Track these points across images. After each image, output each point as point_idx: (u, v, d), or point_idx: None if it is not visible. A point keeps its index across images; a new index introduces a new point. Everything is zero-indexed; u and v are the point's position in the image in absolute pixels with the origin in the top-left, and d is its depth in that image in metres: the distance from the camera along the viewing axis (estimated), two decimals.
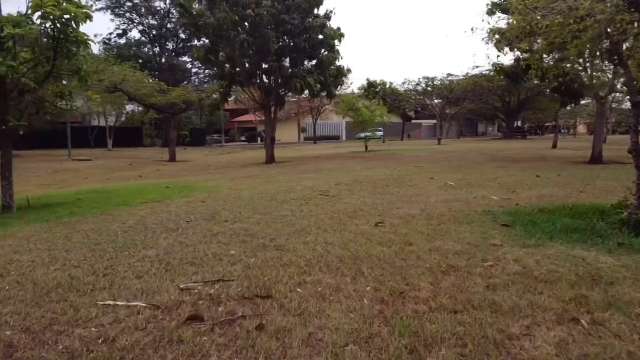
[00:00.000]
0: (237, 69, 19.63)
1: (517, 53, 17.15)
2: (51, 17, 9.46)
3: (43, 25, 9.79)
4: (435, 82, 41.14)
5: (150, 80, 31.19)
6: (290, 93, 21.38)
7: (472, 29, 13.90)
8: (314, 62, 20.41)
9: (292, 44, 19.36)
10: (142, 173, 20.12)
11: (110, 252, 5.04)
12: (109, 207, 8.75)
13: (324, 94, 21.14)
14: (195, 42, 36.10)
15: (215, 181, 13.60)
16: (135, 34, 53.20)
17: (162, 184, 13.49)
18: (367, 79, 37.60)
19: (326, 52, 20.21)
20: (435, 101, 44.29)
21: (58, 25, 9.57)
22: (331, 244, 4.98)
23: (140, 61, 49.36)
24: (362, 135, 46.74)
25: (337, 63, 20.47)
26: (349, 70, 20.58)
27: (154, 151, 40.20)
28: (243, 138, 69.83)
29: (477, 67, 38.91)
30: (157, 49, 54.36)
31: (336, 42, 20.27)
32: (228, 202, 8.60)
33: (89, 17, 9.46)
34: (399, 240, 5.05)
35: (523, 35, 10.91)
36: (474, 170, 13.02)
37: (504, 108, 51.39)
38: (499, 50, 16.98)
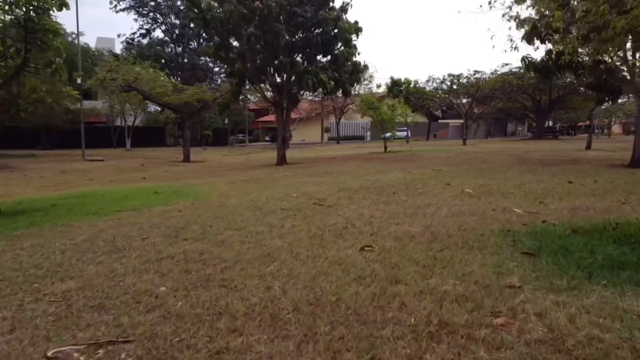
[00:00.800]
0: (248, 65, 18.57)
1: (549, 46, 15.63)
2: (21, 2, 8.55)
3: (12, 13, 8.90)
4: (461, 80, 39.29)
5: (163, 78, 30.40)
6: (304, 91, 20.23)
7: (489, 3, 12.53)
8: (328, 57, 19.21)
9: (304, 38, 18.19)
10: (150, 175, 19.31)
11: (18, 283, 3.97)
12: (77, 216, 7.75)
13: (339, 92, 19.90)
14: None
15: (211, 185, 12.55)
16: (158, 33, 52.84)
17: (157, 187, 12.50)
18: (391, 77, 36.13)
19: (342, 48, 18.98)
20: (463, 100, 42.62)
21: (31, 12, 8.68)
22: (294, 279, 3.80)
23: (163, 61, 49.11)
24: (387, 135, 45.49)
25: (355, 59, 19.22)
26: (365, 67, 19.32)
27: (173, 151, 39.64)
28: (267, 138, 69.28)
29: (506, 64, 37.09)
30: (179, 49, 54.02)
31: (353, 36, 19.01)
32: (207, 212, 7.50)
33: (64, 5, 8.51)
34: (384, 274, 3.82)
35: (558, 21, 9.54)
36: (497, 175, 11.59)
37: (534, 107, 49.06)
38: (529, 43, 15.51)
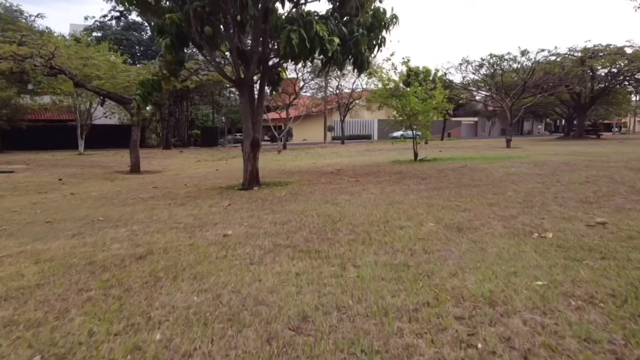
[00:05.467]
0: (188, 11, 9.84)
1: None
2: None
3: None
4: (508, 61, 29.96)
5: (117, 60, 21.54)
6: (287, 61, 11.35)
7: None
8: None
9: None
10: (40, 200, 10.68)
11: None
12: None
13: (348, 66, 11.24)
14: None
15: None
16: (135, 16, 44.01)
17: None
18: (407, 66, 27.13)
19: None
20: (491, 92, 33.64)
21: None
22: None
23: (139, 47, 40.60)
24: (398, 134, 36.37)
25: (375, 4, 10.52)
26: (394, 18, 10.55)
27: (141, 154, 30.97)
28: (266, 137, 61.35)
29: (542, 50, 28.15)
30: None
31: None
32: None
33: None
34: None
35: None
36: None
37: (572, 102, 40.19)
38: None
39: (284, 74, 11.99)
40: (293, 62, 11.54)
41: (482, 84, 32.44)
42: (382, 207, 7.18)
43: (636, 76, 37.41)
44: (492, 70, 30.79)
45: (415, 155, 16.13)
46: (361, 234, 5.42)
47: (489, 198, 7.63)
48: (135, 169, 19.09)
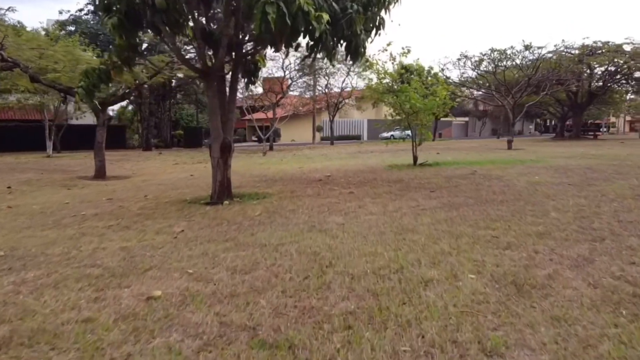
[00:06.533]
0: None
1: None
2: None
3: None
4: (512, 57, 27.80)
5: (51, 44, 18.55)
6: (264, 47, 9.21)
7: None
8: None
9: None
10: None
11: None
12: None
13: (340, 51, 9.19)
14: None
15: None
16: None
17: None
18: (400, 62, 25.04)
19: None
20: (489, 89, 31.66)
21: None
22: None
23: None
24: (389, 134, 34.35)
25: None
26: None
27: (116, 156, 28.68)
28: (254, 138, 59.31)
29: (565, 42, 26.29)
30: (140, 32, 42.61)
31: None
32: None
33: None
34: None
35: None
36: None
37: (569, 101, 38.45)
38: None
39: (262, 63, 9.84)
40: (273, 48, 9.44)
41: (481, 81, 30.42)
42: (390, 238, 5.11)
43: (635, 75, 35.83)
44: (494, 66, 28.72)
45: (415, 159, 14.08)
46: (365, 299, 3.35)
47: (531, 222, 5.61)
48: (99, 174, 16.80)
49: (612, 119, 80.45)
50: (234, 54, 9.12)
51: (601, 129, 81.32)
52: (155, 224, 6.82)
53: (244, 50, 9.27)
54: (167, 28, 8.34)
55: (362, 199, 7.99)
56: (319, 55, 8.97)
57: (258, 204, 8.16)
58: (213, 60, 8.82)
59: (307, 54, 8.44)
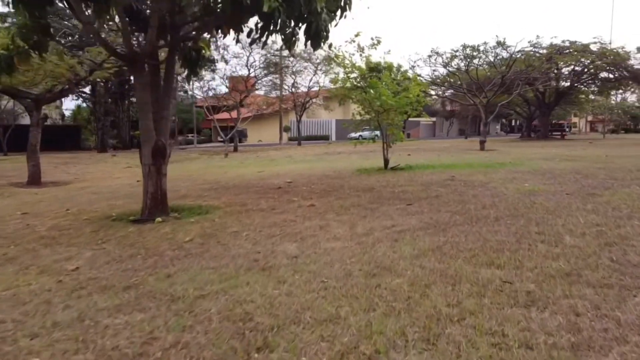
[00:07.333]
0: None
1: None
2: None
3: None
4: (485, 53, 26.62)
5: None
6: (204, 31, 7.52)
7: None
8: None
9: None
10: None
11: None
12: None
13: (300, 32, 7.57)
14: None
15: None
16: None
17: None
18: (368, 59, 23.59)
19: None
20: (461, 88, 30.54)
21: None
22: None
23: (70, 38, 35.39)
24: (357, 135, 33.02)
25: None
26: None
27: (65, 158, 26.31)
28: (220, 138, 57.06)
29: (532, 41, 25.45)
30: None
31: None
32: None
33: None
34: None
35: None
36: None
37: (537, 101, 37.97)
38: None
39: (206, 50, 8.15)
40: (219, 32, 7.78)
41: (453, 79, 29.27)
42: (359, 285, 3.56)
43: (600, 75, 35.62)
44: (467, 63, 27.53)
45: (386, 162, 12.64)
46: None
47: (545, 253, 4.18)
48: (33, 180, 14.70)
49: (574, 119, 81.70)
50: (169, 37, 7.42)
51: (565, 129, 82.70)
52: (51, 255, 5.10)
53: (182, 33, 7.56)
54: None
55: (324, 216, 6.44)
56: (274, 40, 7.37)
57: (196, 222, 6.49)
58: (141, 44, 7.11)
59: (256, 36, 6.83)
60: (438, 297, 3.22)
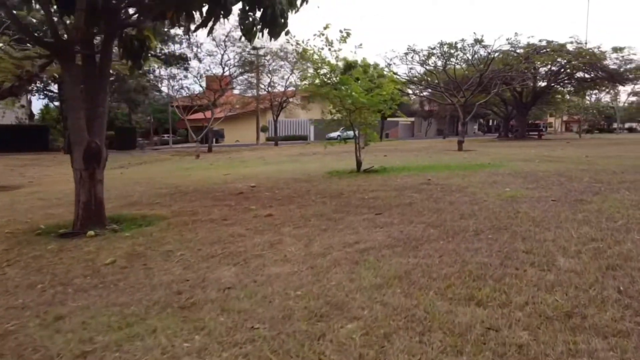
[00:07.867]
0: None
1: None
2: None
3: None
4: (463, 51, 25.86)
5: None
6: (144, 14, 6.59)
7: None
8: None
9: None
10: None
11: None
12: None
13: (255, 15, 6.62)
14: None
15: None
16: None
17: None
18: (344, 58, 22.79)
19: None
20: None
21: None
22: None
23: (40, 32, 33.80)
24: (335, 135, 32.30)
25: None
26: None
27: (26, 160, 24.87)
28: (196, 138, 55.61)
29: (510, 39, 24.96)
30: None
31: None
32: None
33: None
34: None
35: None
36: None
37: (514, 100, 37.71)
38: None
39: (151, 40, 7.18)
40: (164, 18, 6.83)
41: (430, 78, 28.58)
42: (298, 335, 2.69)
43: (576, 75, 35.52)
44: (444, 61, 26.84)
45: (359, 164, 11.80)
46: None
47: (536, 281, 3.37)
48: None
49: (550, 120, 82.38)
50: (104, 23, 6.43)
51: (542, 129, 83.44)
52: None
53: (121, 20, 6.57)
54: None
55: (280, 229, 5.54)
56: (230, 27, 6.40)
57: (130, 237, 5.53)
58: (70, 30, 6.09)
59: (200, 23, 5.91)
60: (400, 356, 2.36)
